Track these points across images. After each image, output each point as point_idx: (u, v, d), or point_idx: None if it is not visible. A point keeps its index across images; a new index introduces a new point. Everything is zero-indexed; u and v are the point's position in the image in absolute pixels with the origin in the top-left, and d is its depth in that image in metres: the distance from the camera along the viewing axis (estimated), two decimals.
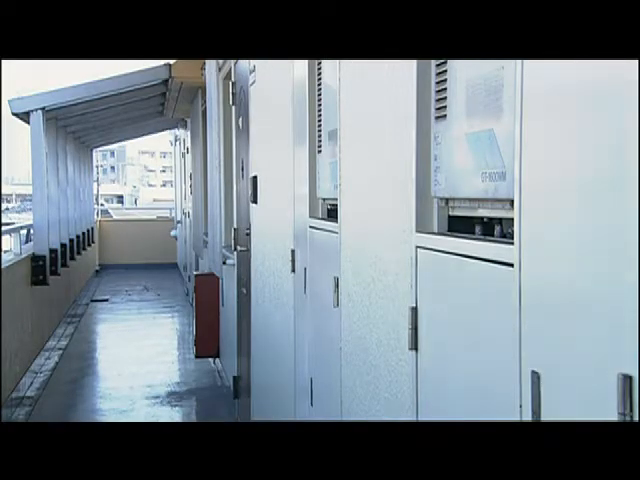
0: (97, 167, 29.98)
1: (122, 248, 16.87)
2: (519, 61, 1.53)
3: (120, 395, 6.85)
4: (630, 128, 1.17)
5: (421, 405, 2.13)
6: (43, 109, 7.88)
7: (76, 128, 11.02)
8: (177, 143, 14.74)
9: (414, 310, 2.15)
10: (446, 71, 2.02)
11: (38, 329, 8.55)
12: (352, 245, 2.80)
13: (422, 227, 2.13)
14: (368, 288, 2.57)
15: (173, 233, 15.92)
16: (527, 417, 1.49)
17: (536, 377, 1.46)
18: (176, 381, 7.37)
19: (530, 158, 1.50)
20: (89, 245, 13.94)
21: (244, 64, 5.27)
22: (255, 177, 4.81)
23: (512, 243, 1.58)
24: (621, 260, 1.20)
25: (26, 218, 16.13)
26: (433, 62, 2.09)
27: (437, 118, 2.08)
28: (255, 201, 4.82)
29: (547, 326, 1.45)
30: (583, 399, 1.33)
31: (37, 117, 7.82)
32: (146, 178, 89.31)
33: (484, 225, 1.92)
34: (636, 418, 1.17)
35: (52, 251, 8.25)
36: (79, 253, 11.61)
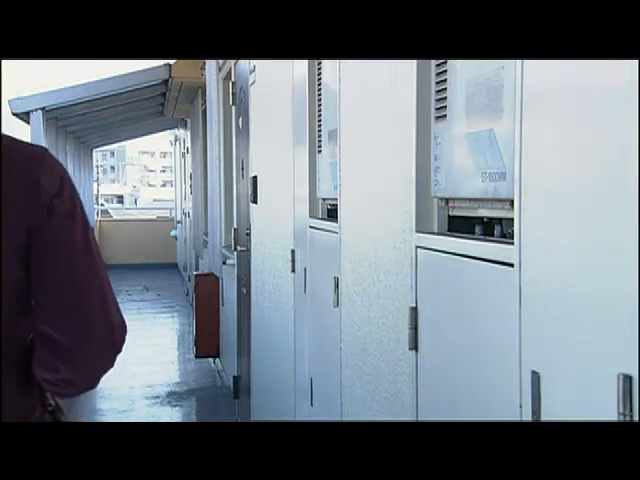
0: (97, 167, 29.97)
1: (122, 248, 16.84)
2: (519, 61, 1.53)
3: (120, 395, 6.84)
4: (630, 128, 1.17)
5: (421, 405, 2.13)
6: (43, 109, 7.87)
7: (76, 128, 11.02)
8: (177, 143, 14.73)
9: (414, 310, 2.15)
10: (446, 71, 2.02)
11: None
12: (352, 245, 2.80)
13: (422, 227, 2.13)
14: (368, 288, 2.56)
15: (173, 233, 15.91)
16: (527, 417, 1.49)
17: (536, 377, 1.46)
18: (176, 381, 7.36)
19: (530, 158, 1.50)
20: None
21: (244, 64, 5.27)
22: (255, 177, 4.81)
23: (512, 243, 1.58)
24: (621, 260, 1.20)
25: None
26: (433, 62, 2.09)
27: (437, 118, 2.08)
28: (255, 201, 4.82)
29: (547, 326, 1.44)
30: (583, 399, 1.33)
31: (37, 117, 7.82)
32: (146, 178, 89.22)
33: (484, 225, 1.92)
34: (636, 418, 1.17)
35: None
36: None
